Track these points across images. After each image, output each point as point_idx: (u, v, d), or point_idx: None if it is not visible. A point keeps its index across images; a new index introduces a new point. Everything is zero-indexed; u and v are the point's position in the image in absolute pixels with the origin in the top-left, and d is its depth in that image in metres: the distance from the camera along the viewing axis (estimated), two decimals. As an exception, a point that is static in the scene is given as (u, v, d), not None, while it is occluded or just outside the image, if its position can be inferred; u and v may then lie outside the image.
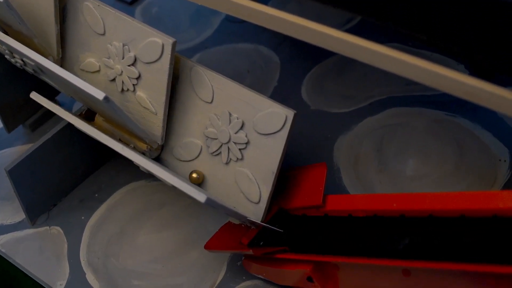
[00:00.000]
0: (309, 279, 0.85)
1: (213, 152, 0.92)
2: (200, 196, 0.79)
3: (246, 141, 0.88)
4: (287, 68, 1.23)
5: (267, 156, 0.87)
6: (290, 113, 0.85)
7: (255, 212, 0.90)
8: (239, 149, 0.89)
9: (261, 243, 0.86)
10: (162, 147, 0.96)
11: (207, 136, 0.92)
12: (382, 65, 0.79)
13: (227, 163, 0.91)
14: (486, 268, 0.67)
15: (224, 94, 0.89)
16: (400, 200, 0.79)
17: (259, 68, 1.24)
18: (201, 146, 0.93)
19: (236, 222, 0.93)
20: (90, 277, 0.99)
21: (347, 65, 1.22)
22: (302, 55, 1.24)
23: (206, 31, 1.33)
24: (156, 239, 1.01)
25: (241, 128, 0.89)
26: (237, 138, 0.89)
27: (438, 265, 0.71)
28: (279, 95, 1.16)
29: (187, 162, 0.95)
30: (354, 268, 0.81)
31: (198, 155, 0.94)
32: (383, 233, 0.78)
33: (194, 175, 0.93)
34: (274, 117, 0.86)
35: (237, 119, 0.89)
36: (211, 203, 0.80)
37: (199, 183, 0.93)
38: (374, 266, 0.77)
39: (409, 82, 1.16)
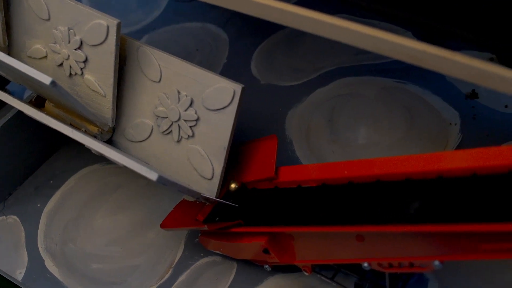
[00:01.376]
0: (265, 251, 0.85)
1: (164, 131, 0.92)
2: (152, 175, 0.79)
3: (196, 118, 0.89)
4: (236, 44, 1.23)
5: (217, 132, 0.87)
6: (238, 88, 0.85)
7: (209, 188, 0.90)
8: (190, 127, 0.89)
9: (217, 219, 0.87)
10: (114, 129, 0.96)
11: (157, 116, 0.92)
12: (331, 35, 0.80)
13: (178, 141, 0.91)
14: (432, 228, 0.68)
15: (171, 72, 0.89)
16: (350, 167, 0.80)
17: (207, 46, 1.24)
18: (152, 126, 0.93)
19: (191, 199, 0.93)
20: (49, 264, 0.98)
21: (296, 38, 1.22)
22: (251, 31, 1.25)
23: (153, 12, 1.33)
24: (113, 222, 1.01)
25: (190, 105, 0.89)
26: (187, 116, 0.89)
27: (388, 228, 0.71)
28: (229, 72, 1.16)
29: (139, 143, 0.95)
30: (308, 237, 0.81)
31: (150, 135, 0.94)
32: (334, 201, 0.79)
33: (233, 185, 0.91)
34: (222, 92, 0.86)
35: (186, 96, 0.89)
36: (163, 181, 0.80)
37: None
38: (328, 234, 0.78)
39: (358, 52, 1.17)
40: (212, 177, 0.89)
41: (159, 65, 0.90)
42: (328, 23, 0.79)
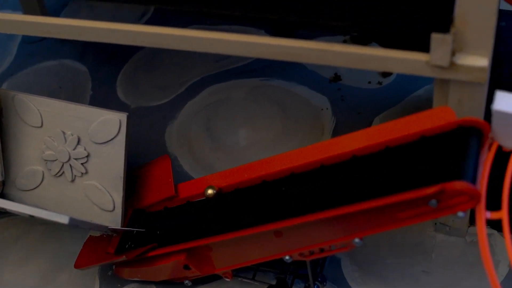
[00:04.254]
0: (186, 267, 0.87)
1: (56, 174, 0.92)
2: (63, 218, 0.80)
3: (86, 155, 0.89)
4: (97, 74, 1.23)
5: (111, 163, 0.88)
6: (123, 116, 0.87)
7: (113, 220, 0.90)
8: (82, 164, 0.90)
9: (128, 246, 0.88)
10: (3, 183, 0.95)
11: (46, 160, 0.91)
12: (191, 47, 0.83)
13: (73, 181, 0.91)
14: (350, 209, 0.72)
15: (52, 115, 0.89)
16: (254, 169, 0.83)
17: (69, 81, 1.24)
18: (43, 171, 0.93)
19: (97, 234, 0.93)
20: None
21: (154, 57, 1.24)
22: (109, 58, 1.25)
23: (6, 59, 1.30)
24: (23, 274, 0.99)
25: (78, 143, 0.89)
26: (77, 154, 0.89)
27: (306, 219, 0.75)
28: (97, 103, 1.17)
29: (33, 191, 0.94)
30: (226, 244, 0.84)
31: (42, 181, 0.93)
32: (246, 204, 0.82)
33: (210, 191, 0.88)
34: (108, 124, 0.87)
35: (72, 135, 0.89)
36: (75, 223, 0.80)
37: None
38: (246, 237, 0.81)
39: (217, 59, 1.20)
40: (114, 208, 0.90)
41: (38, 110, 0.90)
42: (187, 37, 0.81)
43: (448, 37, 0.72)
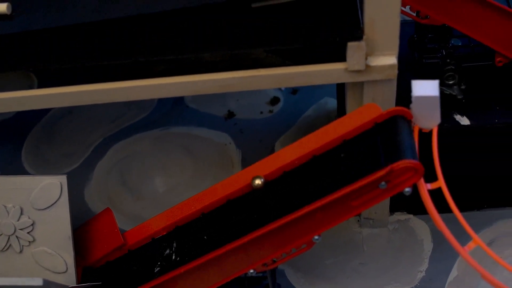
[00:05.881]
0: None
1: (3, 248, 0.93)
2: (36, 281, 0.82)
3: (31, 223, 0.91)
4: (-1, 157, 1.25)
5: (57, 226, 0.91)
6: (63, 179, 0.90)
7: (68, 280, 0.93)
8: (28, 233, 0.92)
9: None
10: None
11: (-9, 236, 0.93)
12: (102, 99, 0.89)
13: (21, 251, 0.93)
14: (312, 206, 0.80)
15: (-11, 190, 0.91)
16: (192, 204, 0.90)
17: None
18: (-11, 248, 0.94)
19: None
20: None
21: (53, 127, 1.27)
22: (6, 135, 1.27)
23: None
24: None
25: (22, 213, 0.91)
26: (22, 224, 0.91)
27: (271, 227, 0.82)
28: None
29: (-18, 269, 0.95)
30: (191, 273, 0.89)
31: (-10, 258, 0.94)
32: (208, 227, 0.88)
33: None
34: (49, 189, 0.90)
35: (14, 207, 0.91)
36: (49, 285, 0.83)
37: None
38: (210, 260, 0.87)
39: (113, 119, 1.26)
40: (67, 269, 0.93)
41: (-29, 190, 0.92)
42: (91, 91, 0.88)
43: (362, 44, 0.83)
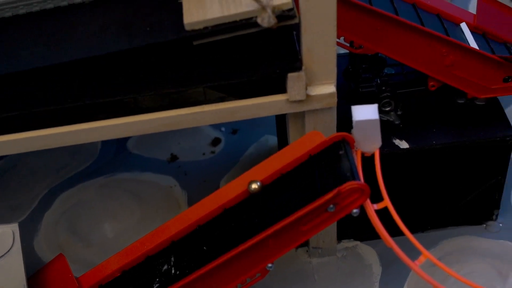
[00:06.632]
0: None
1: (-43, 300, 0.93)
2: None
3: (-16, 277, 0.92)
4: None
5: (11, 275, 0.91)
6: (14, 227, 0.91)
7: (23, 331, 0.93)
8: (-19, 285, 0.92)
9: None
10: None
11: None
12: (57, 143, 0.90)
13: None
14: (266, 233, 0.82)
15: None
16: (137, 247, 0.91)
17: None
18: None
19: None
20: None
21: (-1, 180, 1.28)
22: None
23: None
24: None
25: (-27, 268, 0.92)
26: (-25, 275, 0.92)
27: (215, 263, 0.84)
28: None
29: None
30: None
31: None
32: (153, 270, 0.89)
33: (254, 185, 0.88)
34: (1, 238, 0.90)
35: (-34, 258, 0.92)
36: None
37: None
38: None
39: (58, 169, 1.27)
40: (22, 317, 0.93)
41: None
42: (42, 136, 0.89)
43: (302, 74, 0.86)
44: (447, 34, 0.98)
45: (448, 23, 1.01)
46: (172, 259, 0.89)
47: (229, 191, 0.88)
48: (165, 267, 0.88)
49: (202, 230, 0.88)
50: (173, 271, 0.87)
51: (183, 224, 0.89)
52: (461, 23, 1.02)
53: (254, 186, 0.86)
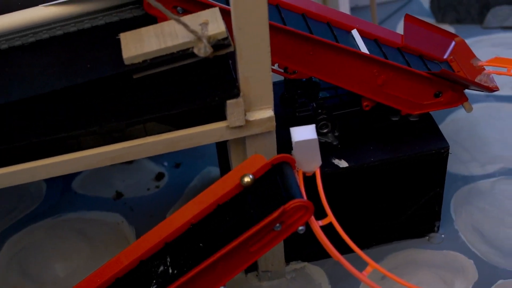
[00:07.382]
0: None
1: None
2: None
3: None
4: None
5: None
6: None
7: None
8: None
9: None
10: None
11: None
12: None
13: None
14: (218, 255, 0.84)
15: None
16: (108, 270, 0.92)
17: None
18: None
19: None
20: None
21: None
22: None
23: None
24: None
25: None
26: None
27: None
28: None
29: None
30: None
31: None
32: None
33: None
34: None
35: None
36: None
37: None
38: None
39: (6, 212, 1.27)
40: None
41: None
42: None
43: (240, 100, 0.89)
44: (337, 41, 1.00)
45: (338, 31, 1.05)
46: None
47: (171, 225, 0.90)
48: (162, 268, 0.89)
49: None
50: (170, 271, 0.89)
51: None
52: (352, 30, 1.06)
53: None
